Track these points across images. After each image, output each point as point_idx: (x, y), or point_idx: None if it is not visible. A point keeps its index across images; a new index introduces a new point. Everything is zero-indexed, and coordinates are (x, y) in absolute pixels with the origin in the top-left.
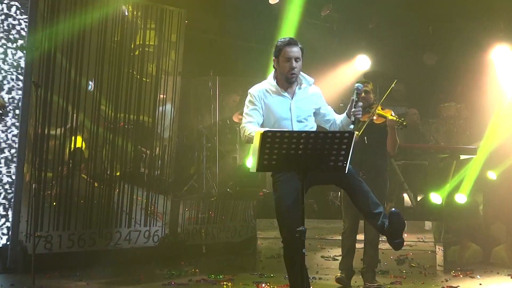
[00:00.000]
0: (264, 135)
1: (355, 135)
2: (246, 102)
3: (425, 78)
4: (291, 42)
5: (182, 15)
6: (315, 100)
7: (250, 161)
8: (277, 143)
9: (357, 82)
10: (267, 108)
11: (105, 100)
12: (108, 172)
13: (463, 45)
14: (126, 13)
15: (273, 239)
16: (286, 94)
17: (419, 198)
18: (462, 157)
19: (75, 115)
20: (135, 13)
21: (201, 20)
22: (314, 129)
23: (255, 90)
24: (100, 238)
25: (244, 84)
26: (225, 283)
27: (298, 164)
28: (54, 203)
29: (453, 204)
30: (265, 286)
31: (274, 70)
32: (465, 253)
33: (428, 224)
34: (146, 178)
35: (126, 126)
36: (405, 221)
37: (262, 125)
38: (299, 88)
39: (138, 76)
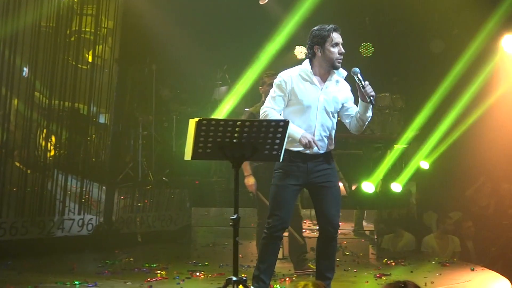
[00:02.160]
0: (199, 123)
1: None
2: (274, 84)
3: (361, 69)
4: (337, 28)
5: (119, 1)
6: (344, 94)
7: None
8: (212, 131)
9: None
10: (295, 94)
11: (40, 86)
12: (42, 160)
13: (400, 36)
14: None
15: (208, 228)
16: (317, 83)
17: (354, 187)
18: (396, 146)
19: (8, 101)
20: None
21: (139, 6)
22: (334, 126)
23: (287, 75)
24: (33, 226)
25: (180, 73)
26: (159, 271)
27: (233, 152)
28: None
29: (387, 193)
30: (199, 274)
31: (308, 58)
32: (398, 242)
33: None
34: (81, 165)
35: (61, 113)
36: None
37: (288, 111)
38: (330, 80)
39: (74, 63)
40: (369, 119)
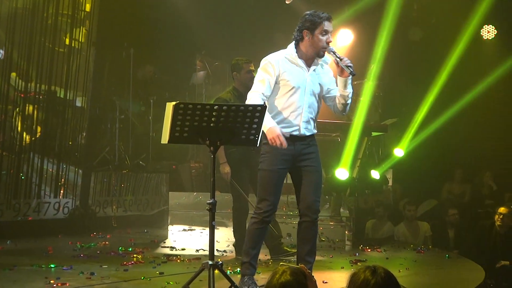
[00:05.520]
0: (176, 106)
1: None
2: (262, 68)
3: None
4: (330, 18)
5: None
6: (328, 77)
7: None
8: (189, 115)
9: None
10: (283, 76)
11: (16, 69)
12: (18, 142)
13: (379, 23)
14: None
15: (185, 212)
16: (303, 65)
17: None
18: (374, 134)
19: None
20: None
21: None
22: (319, 109)
23: (273, 58)
24: (8, 209)
25: (160, 57)
26: (135, 255)
27: (210, 137)
28: None
29: (364, 180)
30: (175, 259)
31: (294, 42)
32: (380, 228)
33: None
34: (57, 148)
35: (37, 96)
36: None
37: (276, 93)
38: (316, 64)
39: (51, 46)
40: (351, 95)
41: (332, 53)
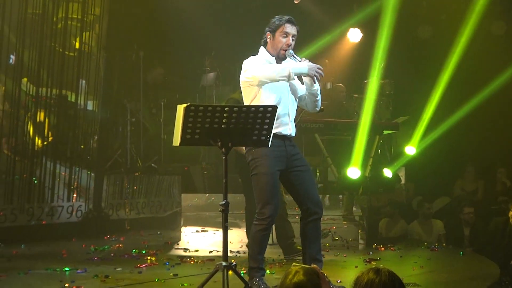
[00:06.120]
0: (187, 109)
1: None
2: (254, 62)
3: (350, 54)
4: (291, 20)
5: None
6: (296, 79)
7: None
8: (200, 117)
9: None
10: None
11: (27, 73)
12: (30, 147)
13: (389, 22)
14: None
15: (198, 214)
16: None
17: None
18: (385, 132)
19: None
20: None
21: None
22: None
23: (256, 59)
24: (22, 213)
25: (169, 59)
26: (149, 257)
27: (222, 138)
28: None
29: (377, 179)
30: (189, 260)
31: (263, 46)
32: (393, 227)
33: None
34: (69, 152)
35: (48, 100)
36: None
37: (262, 96)
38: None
39: (61, 50)
40: (319, 91)
41: (291, 56)
